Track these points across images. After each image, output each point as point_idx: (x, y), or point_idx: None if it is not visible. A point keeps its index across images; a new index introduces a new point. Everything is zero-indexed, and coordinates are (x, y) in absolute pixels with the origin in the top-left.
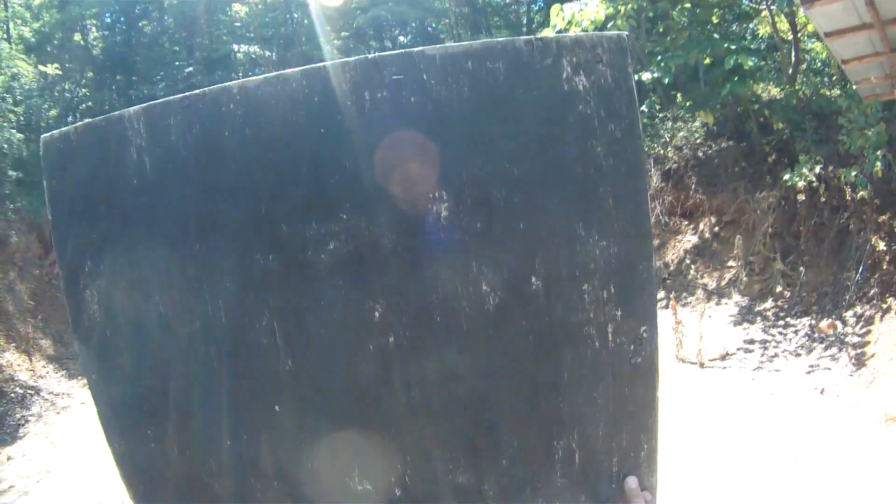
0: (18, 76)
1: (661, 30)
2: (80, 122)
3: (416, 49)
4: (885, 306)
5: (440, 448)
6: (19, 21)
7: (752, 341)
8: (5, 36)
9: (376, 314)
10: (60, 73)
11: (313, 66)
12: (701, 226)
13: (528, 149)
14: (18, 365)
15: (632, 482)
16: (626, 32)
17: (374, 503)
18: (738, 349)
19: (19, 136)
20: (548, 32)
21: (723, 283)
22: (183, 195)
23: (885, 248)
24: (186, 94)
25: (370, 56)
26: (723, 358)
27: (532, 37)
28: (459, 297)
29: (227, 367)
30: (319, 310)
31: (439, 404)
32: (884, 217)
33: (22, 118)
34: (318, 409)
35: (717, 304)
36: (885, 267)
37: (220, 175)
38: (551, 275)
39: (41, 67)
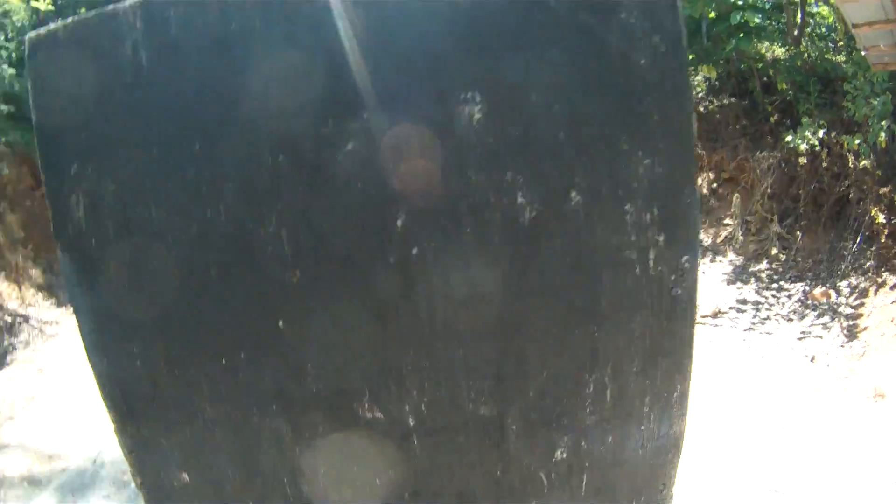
0: (10, 13)
1: None
2: (69, 20)
3: None
4: (880, 280)
5: (461, 374)
6: None
7: (744, 301)
8: None
9: (398, 222)
10: (53, 9)
11: None
12: (699, 181)
13: (569, 54)
14: (8, 294)
15: None
16: None
17: (384, 432)
18: (731, 308)
19: (11, 70)
20: None
21: (718, 240)
22: (182, 91)
23: (884, 221)
24: None
25: None
26: (715, 315)
27: None
28: (492, 208)
29: (224, 277)
30: (333, 216)
31: (464, 326)
32: (885, 189)
33: (14, 54)
34: (328, 325)
35: (712, 260)
36: (882, 240)
37: (224, 69)
38: (592, 190)
39: (33, 3)
